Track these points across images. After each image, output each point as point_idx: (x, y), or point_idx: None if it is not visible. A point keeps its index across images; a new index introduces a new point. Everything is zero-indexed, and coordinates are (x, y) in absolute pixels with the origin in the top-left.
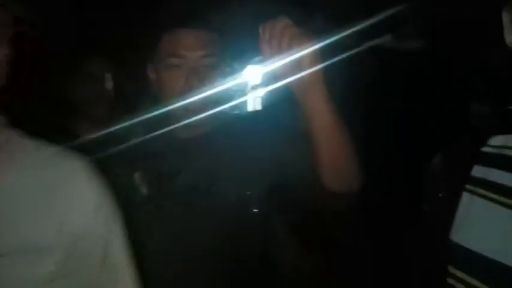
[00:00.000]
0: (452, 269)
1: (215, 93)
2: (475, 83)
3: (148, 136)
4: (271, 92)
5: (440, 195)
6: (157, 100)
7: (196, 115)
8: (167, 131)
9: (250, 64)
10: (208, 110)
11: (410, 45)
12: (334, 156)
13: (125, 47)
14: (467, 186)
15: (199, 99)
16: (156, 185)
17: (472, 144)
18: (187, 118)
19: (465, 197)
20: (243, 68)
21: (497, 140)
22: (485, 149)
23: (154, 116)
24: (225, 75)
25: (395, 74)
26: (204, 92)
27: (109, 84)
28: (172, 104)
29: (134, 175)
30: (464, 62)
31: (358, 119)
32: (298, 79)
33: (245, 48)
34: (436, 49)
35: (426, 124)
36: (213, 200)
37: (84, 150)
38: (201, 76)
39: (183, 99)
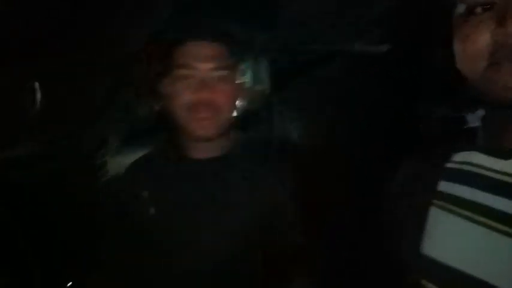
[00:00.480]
0: (424, 282)
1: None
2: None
3: (159, 153)
4: None
5: (408, 210)
6: (168, 114)
7: (206, 128)
8: (179, 150)
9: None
10: (218, 124)
11: (377, 50)
12: None
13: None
14: (434, 200)
15: (209, 112)
16: (163, 205)
17: (436, 160)
18: (197, 132)
19: (432, 211)
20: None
21: (459, 156)
22: (449, 165)
23: (164, 131)
24: (237, 88)
25: (362, 79)
26: (213, 104)
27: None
28: (181, 116)
29: (142, 193)
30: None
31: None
32: None
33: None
34: (403, 53)
35: (391, 132)
36: (219, 224)
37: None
38: (211, 89)
39: (195, 111)
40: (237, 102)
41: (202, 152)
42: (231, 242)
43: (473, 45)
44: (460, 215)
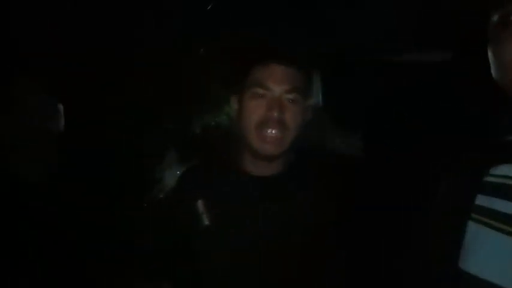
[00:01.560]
0: None
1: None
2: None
3: (218, 165)
4: None
5: (447, 224)
6: (238, 130)
7: (272, 148)
8: (239, 163)
9: None
10: (284, 144)
11: (432, 58)
12: None
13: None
14: (473, 215)
15: (278, 130)
16: (217, 217)
17: (474, 174)
18: (266, 151)
19: (471, 226)
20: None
21: (499, 170)
22: (488, 179)
23: (229, 144)
24: (305, 109)
25: (416, 87)
26: (282, 123)
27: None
28: (250, 132)
29: (197, 203)
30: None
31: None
32: None
33: None
34: (458, 62)
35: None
36: (270, 242)
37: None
38: (282, 109)
39: (263, 129)
40: (304, 124)
41: (262, 169)
42: (287, 259)
43: (506, 56)
44: (499, 229)
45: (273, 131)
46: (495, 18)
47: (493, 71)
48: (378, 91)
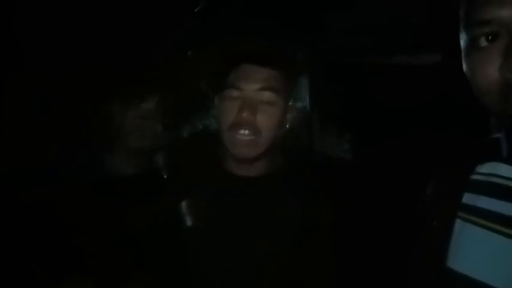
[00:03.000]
0: None
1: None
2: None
3: (203, 166)
4: None
5: (434, 223)
6: (219, 130)
7: (245, 150)
8: (221, 164)
9: None
10: (258, 146)
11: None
12: None
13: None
14: (459, 213)
15: (249, 132)
16: (200, 217)
17: (462, 173)
18: (236, 152)
19: (457, 224)
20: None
21: (484, 168)
22: (474, 177)
23: (208, 146)
24: (286, 112)
25: (409, 90)
26: (254, 125)
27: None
28: (224, 134)
29: (181, 204)
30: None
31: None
32: None
33: None
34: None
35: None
36: (252, 243)
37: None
38: (254, 110)
39: (235, 130)
40: (285, 125)
41: (245, 170)
42: (268, 260)
43: (482, 80)
44: (482, 226)
45: (245, 132)
46: (465, 39)
47: (474, 91)
48: (364, 92)
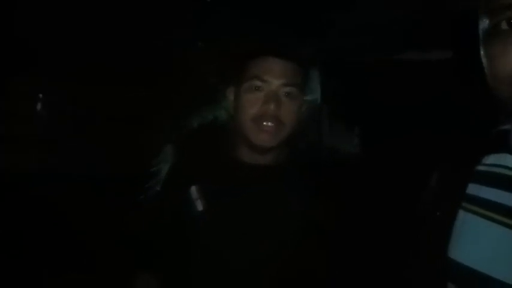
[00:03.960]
0: (450, 285)
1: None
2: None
3: (212, 153)
4: None
5: (437, 213)
6: (234, 122)
7: (267, 139)
8: (233, 152)
9: None
10: (279, 137)
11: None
12: None
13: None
14: (463, 204)
15: (274, 124)
16: (210, 203)
17: (467, 163)
18: (261, 143)
19: (460, 214)
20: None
21: (489, 159)
22: (479, 168)
23: (224, 134)
24: (302, 104)
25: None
26: (277, 117)
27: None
28: (246, 124)
29: (191, 189)
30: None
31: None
32: None
33: None
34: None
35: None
36: (262, 230)
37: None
38: (279, 103)
39: (259, 121)
40: (300, 119)
41: (257, 158)
42: (274, 247)
43: (501, 65)
44: (488, 218)
45: (269, 124)
46: (485, 24)
47: (488, 80)
48: (370, 88)
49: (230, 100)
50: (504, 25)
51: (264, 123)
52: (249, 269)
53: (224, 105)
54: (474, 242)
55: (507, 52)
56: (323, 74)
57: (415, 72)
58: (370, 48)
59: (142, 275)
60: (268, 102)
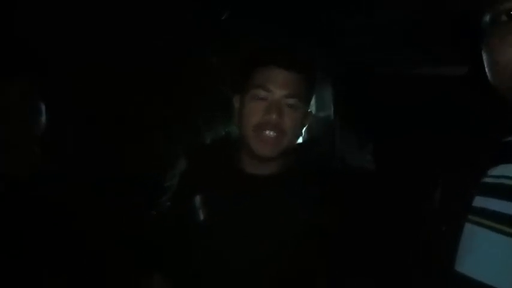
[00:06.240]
0: None
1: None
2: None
3: (216, 163)
4: None
5: (442, 227)
6: (238, 128)
7: (268, 149)
8: (237, 162)
9: None
10: (281, 147)
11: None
12: None
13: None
14: (469, 217)
15: (275, 133)
16: (212, 212)
17: (472, 176)
18: (262, 152)
19: (467, 227)
20: None
21: (496, 170)
22: (485, 180)
23: (228, 143)
24: (304, 115)
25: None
26: (279, 127)
27: None
28: (248, 133)
29: (195, 198)
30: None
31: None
32: None
33: None
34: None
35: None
36: (262, 239)
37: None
38: (281, 113)
39: (261, 131)
40: (302, 129)
41: (259, 169)
42: (275, 255)
43: (501, 57)
44: (498, 230)
45: (270, 133)
46: (487, 18)
47: (488, 74)
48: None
49: (236, 108)
50: (504, 17)
51: (266, 132)
52: (251, 276)
53: (231, 115)
54: (483, 255)
55: (506, 42)
56: (336, 85)
57: (426, 85)
58: (387, 59)
59: (153, 276)
60: (270, 111)
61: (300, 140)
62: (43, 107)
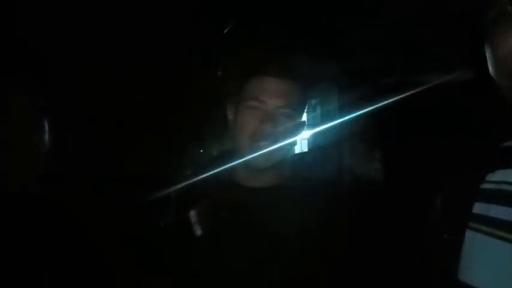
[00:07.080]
0: None
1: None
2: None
3: (212, 177)
4: None
5: (444, 236)
6: (233, 139)
7: (262, 159)
8: (234, 176)
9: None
10: (275, 157)
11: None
12: None
13: None
14: (470, 224)
15: (269, 143)
16: (209, 227)
17: (472, 182)
18: (257, 163)
19: (468, 235)
20: None
21: (496, 176)
22: (485, 186)
23: (223, 157)
24: (298, 126)
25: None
26: (273, 137)
27: None
28: (242, 143)
29: (190, 214)
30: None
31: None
32: None
33: None
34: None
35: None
36: (264, 252)
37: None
38: (275, 123)
39: (255, 141)
40: (297, 138)
41: (255, 180)
42: (279, 270)
43: (504, 47)
44: (500, 237)
45: (265, 144)
46: (490, 16)
47: (490, 68)
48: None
49: (230, 119)
50: (509, 8)
51: (260, 142)
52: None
53: (228, 125)
54: (486, 263)
55: (507, 31)
56: (344, 95)
57: (433, 95)
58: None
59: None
60: (264, 121)
61: (305, 150)
62: (46, 124)
